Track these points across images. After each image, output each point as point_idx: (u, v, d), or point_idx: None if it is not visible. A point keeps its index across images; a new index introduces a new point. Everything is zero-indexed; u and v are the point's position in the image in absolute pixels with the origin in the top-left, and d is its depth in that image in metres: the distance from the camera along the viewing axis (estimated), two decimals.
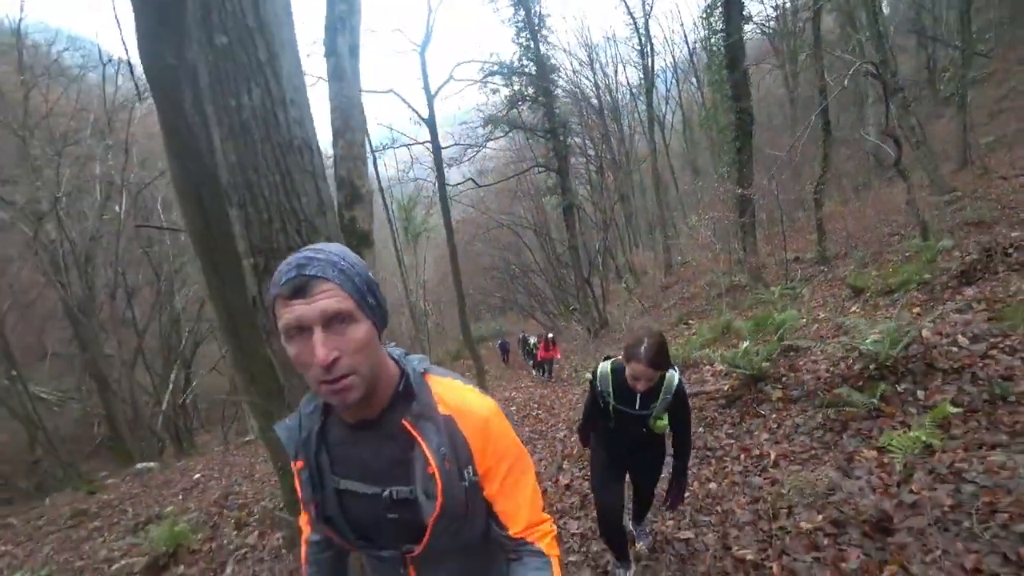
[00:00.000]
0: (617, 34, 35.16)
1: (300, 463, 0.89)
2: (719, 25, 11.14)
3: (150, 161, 18.45)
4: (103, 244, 16.36)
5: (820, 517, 2.16)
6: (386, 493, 0.85)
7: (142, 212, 17.65)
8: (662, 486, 2.59)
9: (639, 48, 21.96)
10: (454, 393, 0.87)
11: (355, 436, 0.87)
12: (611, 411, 2.13)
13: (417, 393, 0.85)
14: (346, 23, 2.85)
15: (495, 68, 15.79)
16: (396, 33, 35.53)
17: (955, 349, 3.06)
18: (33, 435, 14.64)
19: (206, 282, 3.91)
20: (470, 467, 0.84)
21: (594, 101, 24.40)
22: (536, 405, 8.14)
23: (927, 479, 2.12)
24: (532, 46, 16.51)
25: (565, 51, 25.60)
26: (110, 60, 17.05)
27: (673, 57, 27.31)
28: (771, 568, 1.98)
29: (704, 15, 12.05)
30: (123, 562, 4.84)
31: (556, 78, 18.62)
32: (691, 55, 24.53)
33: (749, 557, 2.12)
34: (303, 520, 1.03)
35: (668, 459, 2.32)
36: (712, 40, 12.04)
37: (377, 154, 12.78)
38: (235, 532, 5.08)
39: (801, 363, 4.02)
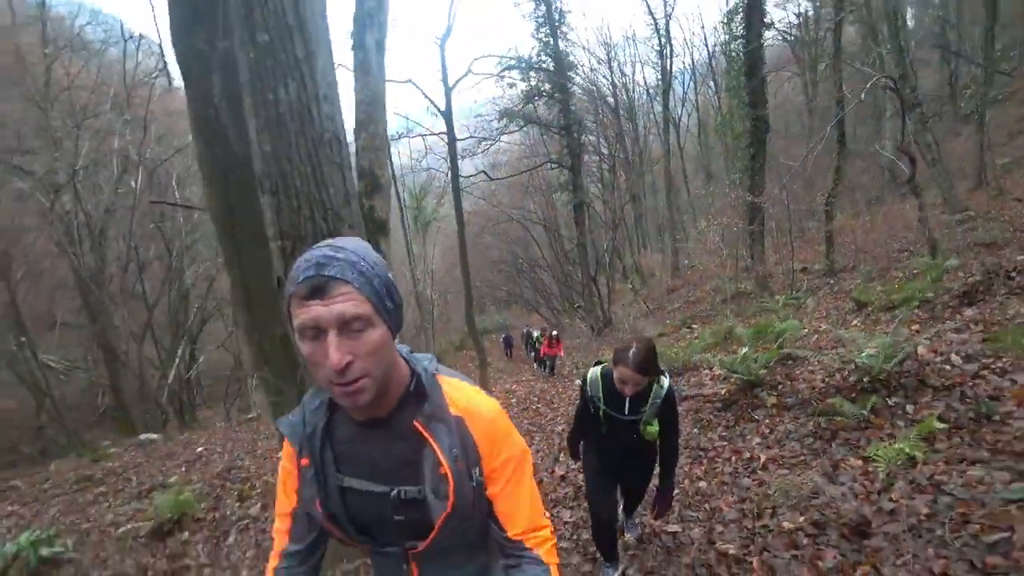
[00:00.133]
0: (637, 34, 34.96)
1: (306, 460, 0.89)
2: (739, 31, 11.12)
3: (166, 138, 18.67)
4: (116, 217, 16.59)
5: (802, 518, 2.27)
6: (394, 492, 0.85)
7: (157, 188, 17.86)
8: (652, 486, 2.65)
9: (658, 49, 21.90)
10: (463, 394, 0.88)
11: (364, 434, 0.87)
12: (602, 416, 2.15)
13: (429, 394, 0.85)
14: (374, 19, 2.95)
15: (513, 62, 15.80)
16: (417, 24, 35.57)
17: (948, 367, 3.15)
18: (40, 402, 14.86)
19: (225, 260, 4.04)
20: (477, 468, 0.85)
21: (610, 100, 24.34)
22: (536, 399, 8.27)
23: (907, 488, 2.22)
24: (551, 42, 16.50)
25: (584, 48, 25.47)
26: (131, 36, 17.25)
27: (692, 59, 27.17)
28: (751, 563, 2.10)
29: (725, 20, 12.02)
30: (128, 526, 4.98)
31: (573, 75, 18.61)
32: (710, 58, 24.40)
33: (732, 552, 2.23)
34: (277, 529, 0.97)
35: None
36: (732, 46, 12.02)
37: (391, 142, 12.88)
38: (238, 504, 5.22)
39: (798, 372, 4.11)
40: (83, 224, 15.23)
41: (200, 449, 9.02)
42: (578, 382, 2.41)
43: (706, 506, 2.73)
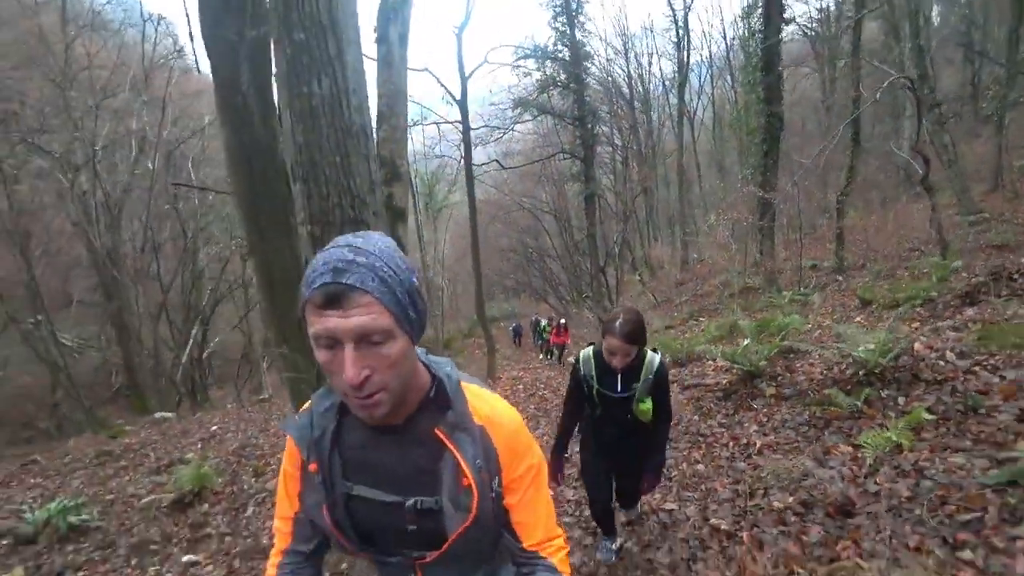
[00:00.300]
0: (655, 25, 34.62)
1: (314, 466, 0.85)
2: (758, 26, 11.04)
3: (182, 120, 18.90)
4: (132, 198, 16.87)
5: (791, 498, 2.41)
6: (410, 503, 0.82)
7: (173, 169, 18.11)
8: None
9: (676, 41, 21.71)
10: (485, 403, 0.85)
11: (376, 440, 0.83)
12: (595, 396, 2.15)
13: (454, 402, 0.82)
14: (398, 13, 3.07)
15: (529, 51, 15.79)
16: (435, 13, 35.42)
17: (942, 363, 3.25)
18: (56, 379, 15.13)
19: (248, 241, 4.22)
20: (497, 478, 0.83)
21: (625, 91, 24.23)
22: (543, 386, 8.43)
23: (891, 473, 2.34)
24: (568, 31, 16.47)
25: (600, 38, 25.41)
26: (150, 17, 17.44)
27: (710, 52, 26.91)
28: (742, 537, 2.24)
29: (743, 15, 11.92)
30: (150, 497, 5.20)
31: (589, 65, 18.58)
32: (728, 52, 24.15)
33: (724, 527, 2.38)
34: (278, 529, 0.94)
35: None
36: (750, 41, 11.94)
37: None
38: (254, 479, 5.44)
39: (798, 365, 4.23)
40: (101, 204, 15.52)
41: (214, 427, 9.21)
42: (571, 359, 2.45)
43: (702, 487, 2.88)
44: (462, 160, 13.16)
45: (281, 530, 0.93)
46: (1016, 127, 15.73)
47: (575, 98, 17.02)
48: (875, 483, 2.31)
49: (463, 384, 0.86)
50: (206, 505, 4.79)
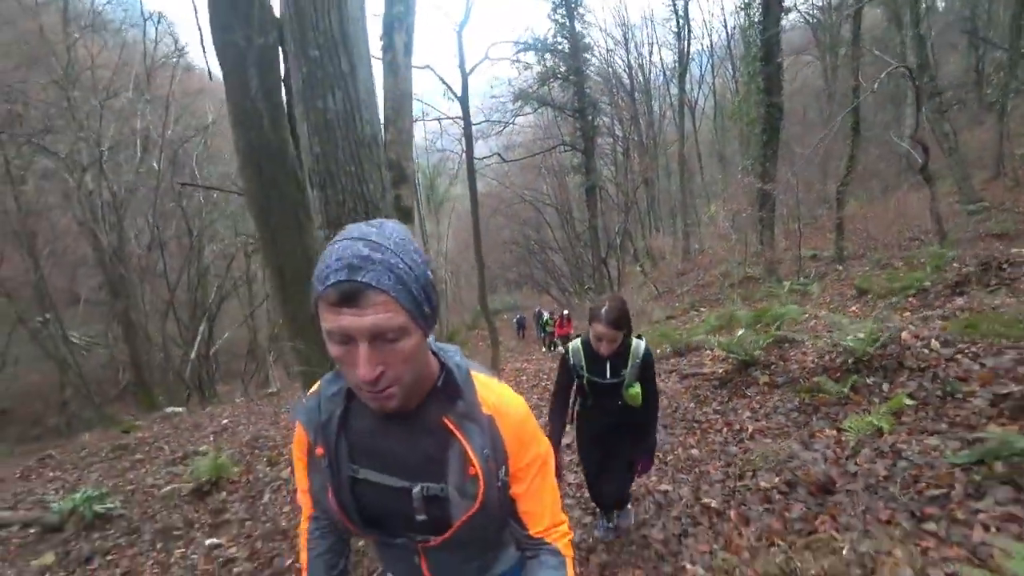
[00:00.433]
0: (655, 14, 34.42)
1: (321, 450, 0.86)
2: (757, 16, 11.06)
3: (184, 118, 19.03)
4: (137, 196, 17.04)
5: (777, 479, 2.57)
6: (416, 489, 0.83)
7: (175, 167, 18.25)
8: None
9: (676, 31, 21.61)
10: (493, 393, 0.86)
11: (384, 427, 0.84)
12: (586, 385, 2.23)
13: (463, 392, 0.83)
14: (403, 22, 3.20)
15: (528, 44, 15.83)
16: (435, 10, 35.32)
17: (926, 351, 3.39)
18: (65, 376, 15.24)
19: (260, 239, 4.39)
20: (504, 467, 0.84)
21: (626, 81, 24.19)
22: (546, 376, 8.58)
23: (871, 454, 2.50)
24: (567, 23, 16.47)
25: (600, 29, 25.31)
26: (150, 16, 17.51)
27: (711, 41, 26.76)
28: (730, 515, 2.41)
29: (743, 4, 11.93)
30: (170, 487, 5.39)
31: (589, 56, 18.59)
32: (729, 41, 24.03)
33: (714, 505, 2.55)
34: (301, 498, 0.99)
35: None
36: (749, 31, 11.94)
37: None
38: (268, 468, 5.63)
39: (791, 354, 4.38)
40: (107, 203, 15.70)
41: (225, 421, 9.33)
42: (560, 350, 2.53)
43: (696, 469, 3.05)
44: (463, 154, 13.28)
45: (303, 500, 0.99)
46: (1019, 114, 15.68)
47: (575, 90, 17.08)
48: (855, 464, 2.47)
49: (472, 373, 0.87)
50: (224, 493, 4.97)
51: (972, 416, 2.54)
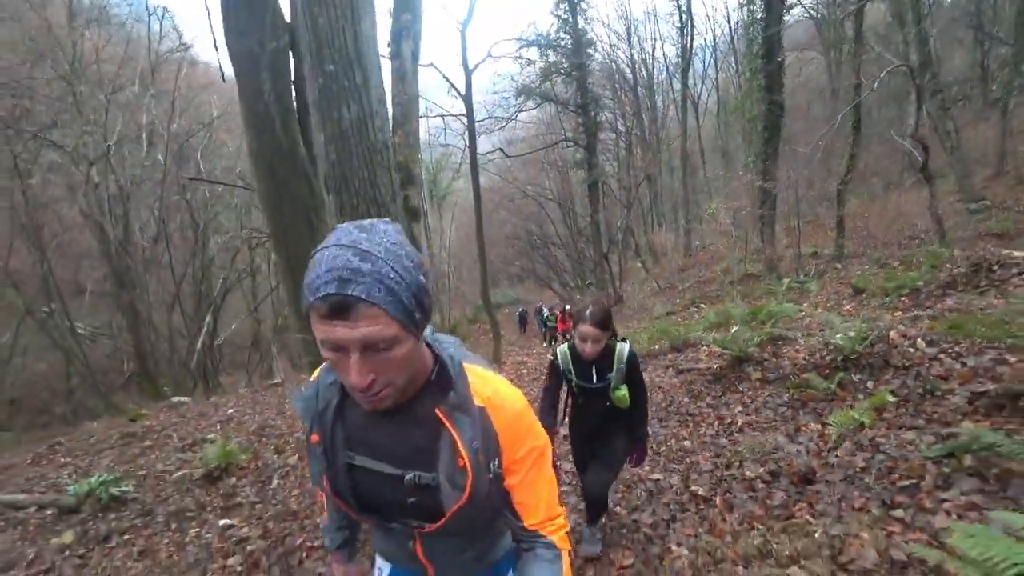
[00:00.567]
0: (658, 9, 34.26)
1: (316, 437, 0.88)
2: (759, 13, 11.10)
3: (188, 112, 19.14)
4: (142, 189, 17.22)
5: (762, 469, 2.73)
6: (408, 477, 0.85)
7: (179, 160, 18.39)
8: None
9: (679, 26, 21.59)
10: (487, 385, 0.86)
11: (378, 418, 0.85)
12: (575, 388, 2.32)
13: (455, 384, 0.84)
14: (410, 30, 3.33)
15: (531, 40, 15.87)
16: (440, 9, 35.27)
17: (912, 350, 3.53)
18: (71, 366, 15.44)
19: (271, 233, 4.55)
20: (497, 460, 0.84)
21: (629, 76, 24.18)
22: (546, 369, 8.73)
23: (851, 447, 2.65)
24: (570, 19, 16.49)
25: (603, 23, 25.27)
26: (154, 11, 17.58)
27: (714, 36, 26.71)
28: (715, 501, 2.57)
29: (745, 1, 11.95)
30: (181, 472, 5.57)
31: (592, 52, 18.60)
32: (732, 36, 23.98)
33: (701, 493, 2.71)
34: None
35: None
36: (751, 27, 11.98)
37: None
38: (276, 455, 5.80)
39: (784, 350, 4.52)
40: (114, 196, 15.85)
41: (231, 411, 9.45)
42: (549, 357, 2.59)
43: (687, 460, 3.21)
44: (466, 149, 13.39)
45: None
46: (1023, 111, 15.65)
47: (578, 85, 17.12)
48: (836, 456, 2.62)
49: (466, 365, 0.88)
50: (234, 479, 5.14)
51: (949, 413, 2.68)
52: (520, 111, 18.19)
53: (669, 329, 7.23)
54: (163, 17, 17.85)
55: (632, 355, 2.24)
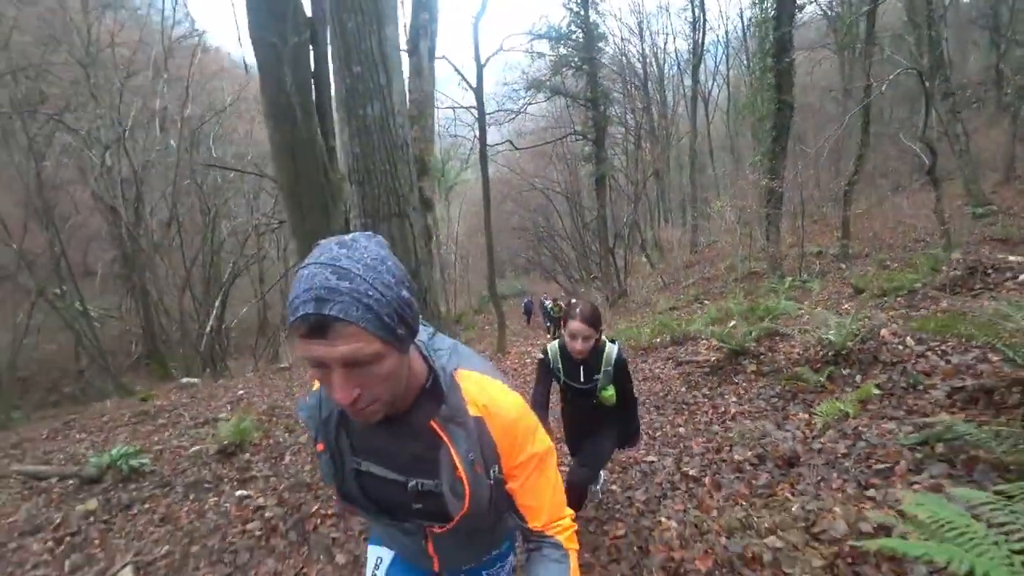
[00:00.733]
0: (671, 4, 34.08)
1: (321, 446, 0.90)
2: (771, 12, 11.12)
3: (200, 98, 19.32)
4: (153, 174, 17.46)
5: (750, 453, 2.90)
6: (412, 484, 0.86)
7: (193, 146, 18.59)
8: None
9: (692, 21, 21.51)
10: (483, 392, 0.86)
11: (376, 428, 0.85)
12: (563, 387, 2.37)
13: (447, 396, 0.83)
14: (427, 29, 3.48)
15: (543, 33, 15.90)
16: (452, 7, 35.27)
17: (901, 347, 3.68)
18: (81, 346, 15.69)
19: (291, 226, 4.73)
20: (496, 466, 0.85)
21: (639, 71, 24.13)
22: (536, 367, 8.87)
23: (835, 435, 2.82)
24: (582, 12, 16.48)
25: (615, 17, 25.17)
26: None
27: (726, 32, 26.59)
28: (705, 481, 2.75)
29: (757, 1, 11.95)
30: (197, 448, 5.78)
31: (603, 46, 18.58)
32: (745, 33, 23.87)
33: (692, 473, 2.89)
34: None
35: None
36: (763, 26, 11.99)
37: None
38: (287, 434, 6.02)
39: (780, 345, 4.68)
40: (126, 180, 16.10)
41: (240, 392, 9.66)
42: (538, 355, 2.56)
43: (681, 444, 3.39)
44: (476, 140, 13.49)
45: None
46: None
47: (588, 79, 17.12)
48: (820, 443, 2.79)
49: (462, 373, 0.86)
50: (247, 455, 5.35)
51: (928, 406, 2.84)
52: (530, 104, 18.24)
53: (670, 323, 7.39)
54: (176, 2, 17.91)
55: (621, 358, 2.26)
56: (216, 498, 4.15)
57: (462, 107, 14.44)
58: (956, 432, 2.40)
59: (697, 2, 21.13)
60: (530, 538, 0.92)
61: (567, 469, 2.54)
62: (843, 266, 10.79)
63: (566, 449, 3.32)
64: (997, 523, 1.42)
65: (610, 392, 2.25)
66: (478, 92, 10.11)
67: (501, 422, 0.84)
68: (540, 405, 2.38)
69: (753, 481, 2.61)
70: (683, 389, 4.50)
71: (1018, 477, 1.89)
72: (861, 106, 10.17)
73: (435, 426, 0.83)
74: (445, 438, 0.82)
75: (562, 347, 2.31)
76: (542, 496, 0.90)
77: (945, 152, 12.58)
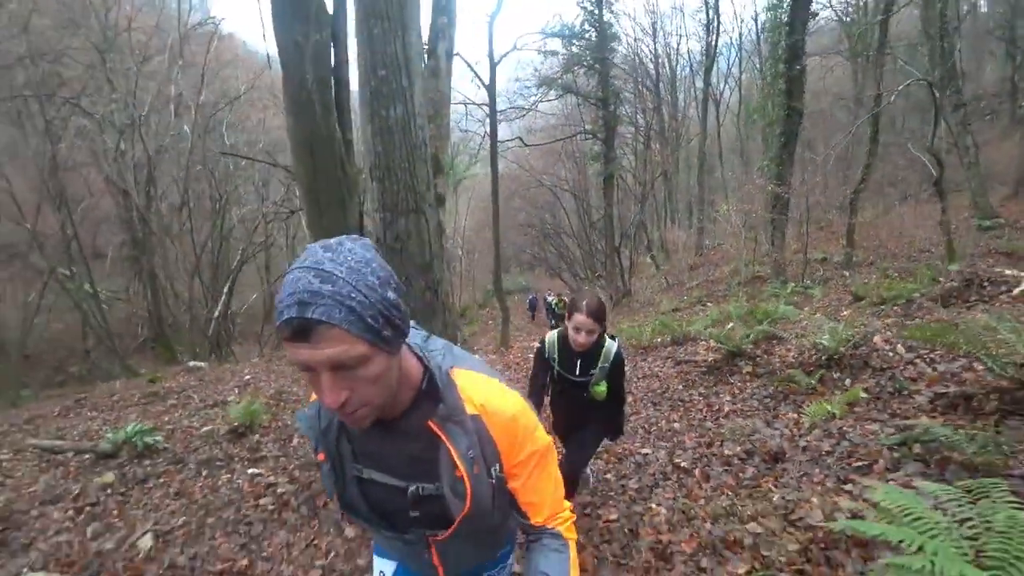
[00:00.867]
0: (686, 5, 33.92)
1: (322, 455, 0.89)
2: (784, 18, 11.16)
3: (214, 85, 19.50)
4: (165, 159, 17.67)
5: (739, 448, 3.06)
6: (412, 489, 0.86)
7: (206, 133, 18.79)
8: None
9: (705, 23, 21.50)
10: (481, 390, 0.86)
11: (374, 432, 0.85)
12: (556, 377, 2.38)
13: (444, 395, 0.83)
14: (446, 32, 3.62)
15: (556, 31, 15.96)
16: (468, 8, 35.16)
17: (891, 354, 3.82)
18: (88, 327, 15.92)
19: (307, 213, 4.90)
20: (497, 465, 0.85)
21: (651, 71, 24.14)
22: (533, 357, 9.00)
23: (820, 434, 2.97)
24: (596, 12, 16.53)
25: (629, 17, 25.14)
26: None
27: (740, 35, 26.53)
28: (695, 472, 2.91)
29: (771, 5, 11.99)
30: (208, 427, 5.95)
31: (616, 46, 18.61)
32: (758, 36, 23.83)
33: (683, 465, 3.05)
34: None
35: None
36: (776, 31, 12.03)
37: None
38: (295, 418, 6.18)
39: (776, 349, 4.82)
40: (141, 164, 16.32)
41: (247, 376, 9.82)
42: (536, 344, 2.59)
43: (675, 439, 3.55)
44: (486, 136, 13.62)
45: None
46: None
47: (600, 78, 17.17)
48: (806, 441, 2.94)
49: (458, 372, 0.86)
50: (257, 436, 5.53)
51: (912, 409, 2.98)
52: (541, 101, 18.32)
53: (671, 324, 7.53)
54: None
55: (619, 355, 2.28)
56: (228, 475, 4.33)
57: (474, 103, 14.56)
58: (933, 434, 2.55)
59: (711, 4, 21.12)
60: (531, 532, 0.94)
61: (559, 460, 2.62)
62: (846, 273, 10.86)
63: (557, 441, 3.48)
64: (957, 515, 1.57)
65: (602, 387, 2.28)
66: (491, 90, 10.23)
67: (499, 420, 0.84)
68: (535, 393, 2.44)
69: (740, 474, 2.77)
70: (680, 387, 4.65)
71: (985, 476, 2.03)
72: (870, 115, 10.22)
73: (433, 426, 0.82)
74: (444, 437, 0.82)
75: (561, 338, 2.33)
76: (544, 493, 0.91)
77: (954, 164, 12.61)
